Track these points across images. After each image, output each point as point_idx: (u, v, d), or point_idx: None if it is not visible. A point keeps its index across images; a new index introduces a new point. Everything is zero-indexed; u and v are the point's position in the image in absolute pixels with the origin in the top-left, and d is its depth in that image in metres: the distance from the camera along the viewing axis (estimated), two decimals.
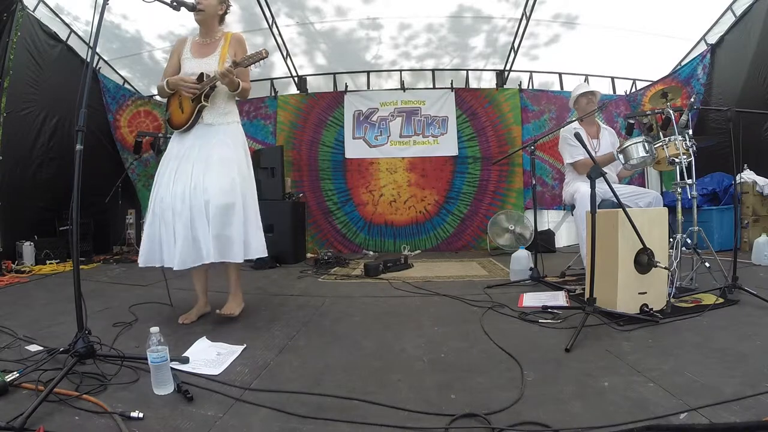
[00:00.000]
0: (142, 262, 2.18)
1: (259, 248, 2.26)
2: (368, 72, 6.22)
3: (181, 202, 2.08)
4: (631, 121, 3.19)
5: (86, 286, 1.97)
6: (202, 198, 2.07)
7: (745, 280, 2.46)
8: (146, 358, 1.39)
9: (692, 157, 2.69)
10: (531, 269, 3.18)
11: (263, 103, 6.26)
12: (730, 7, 4.74)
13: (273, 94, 6.31)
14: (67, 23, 4.94)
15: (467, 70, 6.15)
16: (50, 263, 4.40)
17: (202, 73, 2.19)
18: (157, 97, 6.05)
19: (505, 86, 6.11)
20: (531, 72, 6.12)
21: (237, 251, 2.12)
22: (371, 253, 5.77)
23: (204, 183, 2.09)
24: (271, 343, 1.92)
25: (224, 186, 2.11)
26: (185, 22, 4.84)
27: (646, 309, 2.09)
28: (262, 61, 2.11)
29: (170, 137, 2.36)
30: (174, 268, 2.08)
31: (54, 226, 4.73)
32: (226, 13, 2.37)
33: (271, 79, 6.23)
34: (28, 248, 4.32)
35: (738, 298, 2.33)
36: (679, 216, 2.67)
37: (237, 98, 2.33)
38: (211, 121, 2.24)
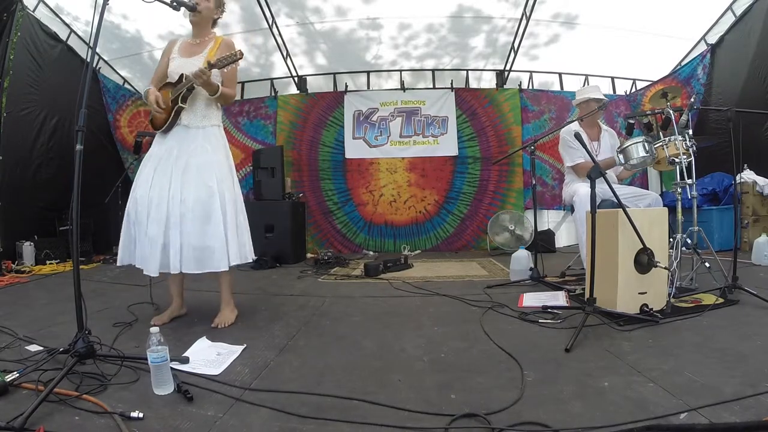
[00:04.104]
0: (119, 260, 2.17)
1: (244, 254, 2.23)
2: (368, 72, 6.22)
3: (157, 209, 2.06)
4: (631, 121, 3.18)
5: (86, 286, 1.96)
6: (179, 209, 2.06)
7: (745, 280, 2.46)
8: (146, 358, 1.39)
9: (692, 157, 2.69)
10: (531, 269, 3.18)
11: (263, 103, 6.25)
12: (730, 7, 4.74)
13: (273, 94, 6.29)
14: (67, 23, 4.93)
15: (467, 70, 6.15)
16: (50, 263, 4.40)
17: (182, 75, 2.16)
18: None
19: (505, 86, 6.11)
20: (531, 72, 6.11)
21: (219, 260, 2.09)
22: (371, 253, 5.77)
23: (182, 194, 2.08)
24: (271, 343, 1.92)
25: (201, 196, 2.09)
26: (185, 22, 4.81)
27: (646, 309, 2.09)
28: (237, 62, 2.06)
29: None
30: (151, 275, 2.05)
31: (54, 226, 4.73)
32: (219, 17, 2.37)
33: (271, 79, 6.22)
34: (28, 248, 4.33)
35: (738, 298, 2.33)
36: (679, 216, 2.66)
37: (221, 104, 2.29)
38: (187, 123, 2.19)
